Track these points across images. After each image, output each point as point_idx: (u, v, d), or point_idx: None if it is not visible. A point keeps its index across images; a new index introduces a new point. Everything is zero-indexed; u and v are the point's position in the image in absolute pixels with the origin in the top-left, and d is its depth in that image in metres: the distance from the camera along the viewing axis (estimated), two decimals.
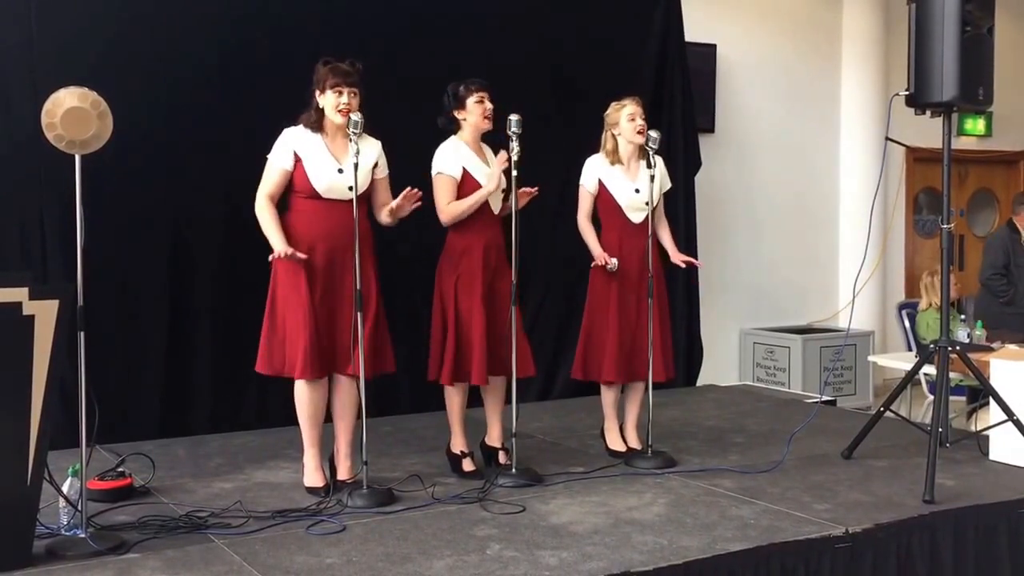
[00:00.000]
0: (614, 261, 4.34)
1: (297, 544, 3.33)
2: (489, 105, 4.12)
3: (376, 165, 3.96)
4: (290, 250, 3.71)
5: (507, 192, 4.11)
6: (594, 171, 4.47)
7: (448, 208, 4.08)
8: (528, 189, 4.13)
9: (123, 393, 4.86)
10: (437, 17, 5.63)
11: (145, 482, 3.99)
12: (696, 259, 6.50)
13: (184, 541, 3.35)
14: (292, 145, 3.85)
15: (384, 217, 4.00)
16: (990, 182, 9.20)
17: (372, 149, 3.95)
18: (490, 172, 4.09)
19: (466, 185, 4.11)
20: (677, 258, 4.57)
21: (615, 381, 4.46)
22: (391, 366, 4.00)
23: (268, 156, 3.88)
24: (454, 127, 4.18)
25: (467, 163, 4.13)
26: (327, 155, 3.85)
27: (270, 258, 3.78)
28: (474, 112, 4.12)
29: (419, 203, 3.94)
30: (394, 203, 3.90)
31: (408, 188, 3.89)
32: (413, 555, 3.22)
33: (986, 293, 6.76)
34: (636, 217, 4.43)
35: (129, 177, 4.80)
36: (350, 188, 3.79)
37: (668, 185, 4.62)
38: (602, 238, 4.45)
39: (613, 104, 4.47)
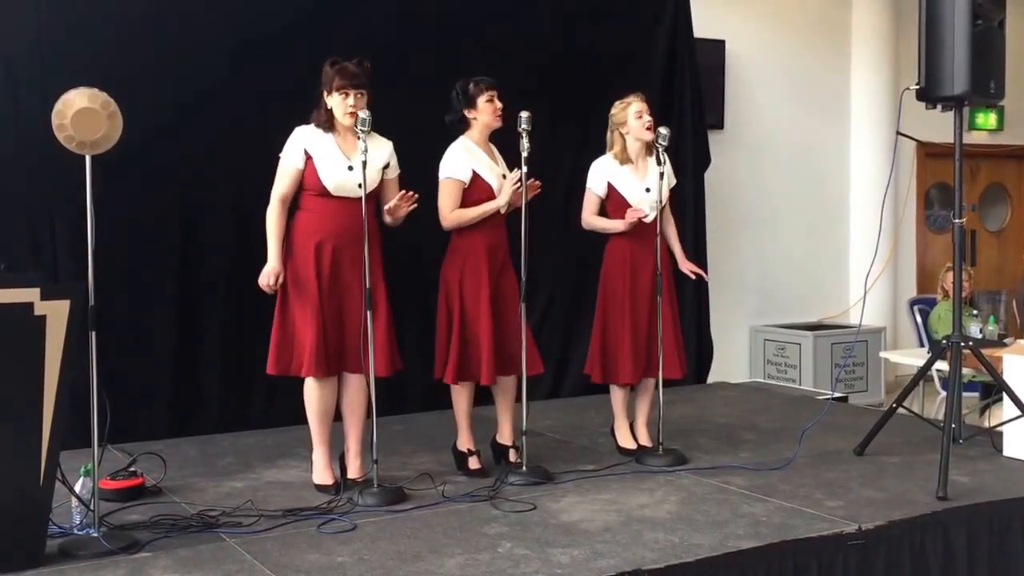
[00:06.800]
0: (641, 210, 4.29)
1: (308, 543, 3.33)
2: (499, 103, 4.11)
3: (387, 165, 3.96)
4: (273, 281, 3.79)
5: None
6: (602, 174, 4.40)
7: (452, 215, 4.06)
8: (532, 183, 4.10)
9: (134, 393, 4.87)
10: (442, 15, 5.62)
11: (156, 481, 4.00)
12: (705, 260, 6.58)
13: (196, 540, 3.36)
14: (303, 143, 3.85)
15: (385, 217, 3.98)
16: (1002, 176, 9.16)
17: (383, 149, 3.95)
18: (503, 189, 4.05)
19: (476, 187, 4.08)
20: (685, 266, 4.52)
21: (633, 383, 4.44)
22: (399, 363, 4.00)
23: (280, 155, 3.89)
24: (463, 126, 4.16)
25: (477, 165, 4.11)
26: (338, 153, 3.85)
27: (260, 280, 3.82)
28: (485, 111, 4.10)
29: (415, 205, 3.91)
30: (391, 203, 3.87)
31: (404, 191, 3.88)
32: (424, 553, 3.22)
33: None
34: (648, 216, 4.39)
35: (139, 178, 4.80)
36: (359, 186, 3.78)
37: (674, 181, 4.58)
38: (613, 240, 4.42)
39: (617, 103, 4.42)
